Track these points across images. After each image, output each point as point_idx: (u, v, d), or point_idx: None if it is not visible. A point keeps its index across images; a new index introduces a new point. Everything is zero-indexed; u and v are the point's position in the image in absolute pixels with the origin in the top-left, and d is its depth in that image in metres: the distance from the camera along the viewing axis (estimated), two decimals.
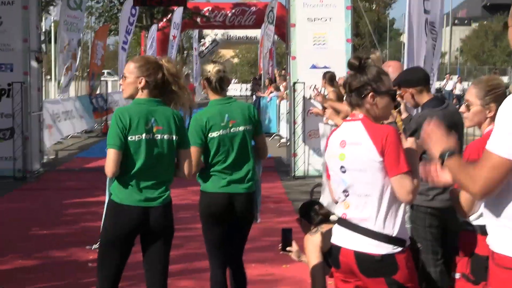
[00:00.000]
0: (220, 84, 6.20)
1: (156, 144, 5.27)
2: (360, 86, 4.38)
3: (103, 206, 11.94)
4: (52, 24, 42.39)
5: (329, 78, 13.03)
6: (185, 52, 66.79)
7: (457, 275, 4.85)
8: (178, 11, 40.72)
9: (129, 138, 5.20)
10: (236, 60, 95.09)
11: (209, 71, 6.20)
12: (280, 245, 6.10)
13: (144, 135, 5.22)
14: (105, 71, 65.35)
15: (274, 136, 24.27)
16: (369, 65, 4.42)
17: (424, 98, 5.89)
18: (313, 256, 5.83)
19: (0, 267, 8.45)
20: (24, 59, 15.31)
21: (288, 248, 6.04)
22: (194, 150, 6.05)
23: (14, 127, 15.14)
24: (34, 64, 15.65)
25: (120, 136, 5.18)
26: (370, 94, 4.36)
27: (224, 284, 6.28)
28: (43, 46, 17.17)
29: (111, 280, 5.36)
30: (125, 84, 5.42)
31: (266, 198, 12.93)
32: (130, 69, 5.37)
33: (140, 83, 5.32)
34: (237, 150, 6.14)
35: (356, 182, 4.34)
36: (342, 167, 4.39)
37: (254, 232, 9.77)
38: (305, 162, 15.49)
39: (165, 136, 5.30)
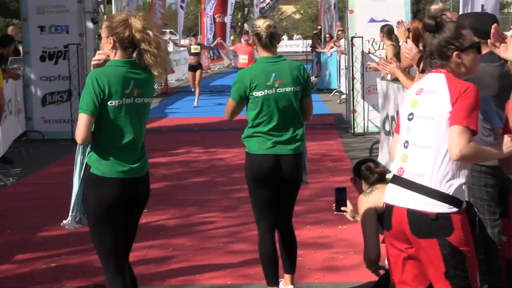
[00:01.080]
0: (270, 40, 5.93)
1: (137, 109, 4.95)
2: (442, 47, 4.14)
3: (159, 168, 11.92)
4: None
5: (387, 31, 12.70)
6: (246, 9, 66.45)
7: (505, 238, 4.59)
8: None
9: (108, 104, 4.82)
10: (297, 15, 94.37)
11: (259, 27, 5.92)
12: (334, 205, 5.91)
13: (124, 99, 4.87)
14: (167, 30, 65.50)
15: (334, 92, 23.95)
16: (445, 22, 4.16)
17: (484, 49, 5.52)
18: (366, 217, 5.62)
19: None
20: (79, 20, 15.28)
21: (342, 208, 5.85)
22: (232, 104, 5.96)
23: (71, 89, 15.15)
24: (90, 25, 15.59)
25: (95, 100, 4.81)
26: (455, 54, 4.11)
27: (273, 247, 6.07)
28: (102, 7, 16.98)
29: (113, 252, 5.03)
30: (102, 46, 5.20)
31: (324, 156, 12.77)
32: (102, 29, 5.10)
33: (110, 43, 4.97)
34: (283, 111, 5.89)
35: (420, 130, 4.11)
36: (411, 114, 4.18)
37: (309, 192, 9.69)
38: (365, 118, 15.20)
39: (145, 100, 5.00)
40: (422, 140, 4.10)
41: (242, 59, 22.40)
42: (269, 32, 5.90)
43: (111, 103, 4.83)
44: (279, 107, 5.86)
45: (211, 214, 9.02)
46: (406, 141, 4.18)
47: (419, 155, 4.10)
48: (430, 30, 4.18)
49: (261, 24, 5.92)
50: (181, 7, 29.59)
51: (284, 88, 5.86)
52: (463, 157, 3.95)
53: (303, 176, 6.14)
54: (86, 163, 4.96)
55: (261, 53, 6.00)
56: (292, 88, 5.89)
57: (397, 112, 8.52)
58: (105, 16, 22.75)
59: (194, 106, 21.62)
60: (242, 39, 24.36)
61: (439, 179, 4.03)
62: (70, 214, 5.08)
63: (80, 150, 5.00)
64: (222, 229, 8.35)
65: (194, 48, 22.85)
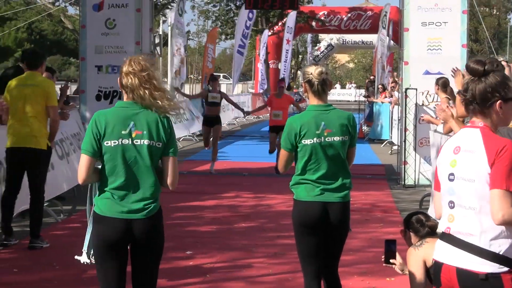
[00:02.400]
0: (322, 87, 5.95)
1: (135, 151, 4.93)
2: (487, 93, 4.07)
3: (206, 211, 11.99)
4: (169, 28, 43.08)
5: (442, 84, 12.66)
6: (300, 56, 66.80)
7: None
8: (292, 15, 40.78)
9: (104, 144, 4.90)
10: (351, 65, 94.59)
11: (311, 73, 5.95)
12: (383, 257, 5.86)
13: (120, 140, 4.90)
14: (221, 74, 66.03)
15: (386, 143, 23.85)
16: (494, 69, 4.10)
17: None
18: (415, 270, 5.57)
19: None
20: None
21: (391, 261, 5.79)
22: (284, 153, 5.97)
23: None
24: None
25: (93, 141, 4.90)
26: (498, 102, 4.05)
27: None
28: (158, 49, 17.24)
29: None
30: None
31: (374, 207, 12.68)
32: None
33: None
34: (331, 160, 5.92)
35: (464, 192, 4.04)
36: (451, 174, 4.10)
37: (357, 243, 9.64)
38: (416, 170, 15.09)
39: (145, 142, 4.93)
40: (466, 201, 4.03)
41: (276, 115, 17.25)
42: (321, 79, 5.94)
43: (107, 143, 4.91)
44: (327, 156, 5.89)
45: (257, 260, 8.99)
46: (451, 201, 4.11)
47: (466, 216, 4.03)
48: (475, 75, 4.11)
49: (313, 71, 5.96)
50: (239, 52, 29.82)
51: (332, 138, 5.90)
52: (506, 222, 3.89)
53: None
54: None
55: (312, 101, 6.02)
56: (341, 137, 5.93)
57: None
58: (160, 58, 23.13)
59: (210, 172, 16.87)
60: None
61: (488, 239, 3.96)
62: (83, 249, 5.19)
63: (90, 191, 5.11)
64: (268, 276, 8.31)
65: (213, 97, 17.45)
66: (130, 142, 4.91)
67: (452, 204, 4.11)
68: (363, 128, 28.21)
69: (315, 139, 5.86)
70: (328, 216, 5.92)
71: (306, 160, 5.90)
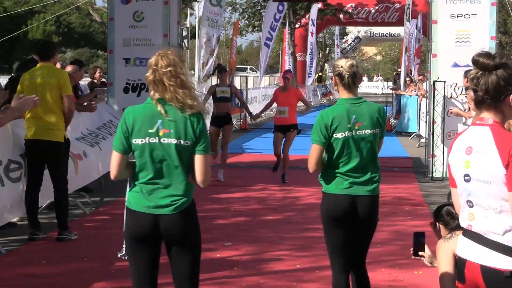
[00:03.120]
0: (353, 80, 5.93)
1: (162, 149, 4.88)
2: (501, 86, 3.99)
3: (234, 203, 12.01)
4: (196, 20, 43.13)
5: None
6: (327, 49, 66.63)
7: None
8: (314, 8, 40.66)
9: (133, 142, 4.90)
10: (379, 57, 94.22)
11: (341, 66, 5.92)
12: (412, 249, 5.83)
13: (148, 138, 4.87)
14: (248, 67, 66.00)
15: (413, 136, 23.75)
16: (507, 61, 4.02)
17: None
18: (444, 263, 5.53)
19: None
20: None
21: (420, 253, 5.76)
22: (315, 148, 5.90)
23: None
24: None
25: (122, 139, 4.91)
26: (511, 96, 3.98)
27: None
28: (186, 41, 17.26)
29: (137, 284, 5.05)
30: None
31: (402, 200, 12.63)
32: None
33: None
34: (362, 153, 5.91)
35: (481, 193, 3.99)
36: (466, 175, 4.05)
37: (385, 235, 9.62)
38: (444, 163, 15.00)
39: (173, 141, 4.87)
40: (485, 202, 3.97)
41: (280, 112, 14.89)
42: (352, 72, 5.90)
43: (135, 141, 4.90)
44: (358, 149, 5.88)
45: (285, 252, 8.99)
46: (469, 201, 4.06)
47: (486, 216, 3.98)
48: (485, 69, 3.98)
49: (344, 64, 5.92)
50: (266, 44, 29.79)
51: (363, 131, 5.88)
52: None
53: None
54: None
55: (342, 94, 5.99)
56: (372, 130, 5.92)
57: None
58: (188, 51, 23.12)
59: (218, 180, 14.29)
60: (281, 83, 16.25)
61: (510, 236, 3.94)
62: (124, 245, 5.19)
63: (128, 185, 5.15)
64: (295, 268, 8.31)
65: (222, 91, 14.69)
66: (157, 141, 4.88)
67: (471, 204, 4.06)
68: (390, 121, 28.12)
69: (346, 132, 5.84)
70: (356, 209, 5.91)
71: (337, 153, 5.88)
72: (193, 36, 36.71)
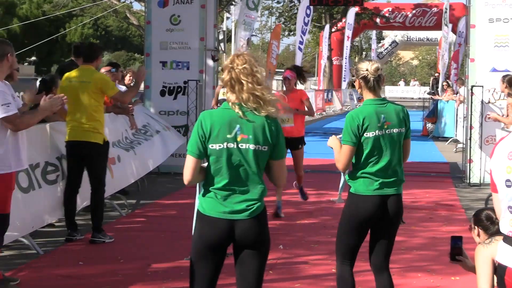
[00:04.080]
0: (378, 83, 6.03)
1: (240, 155, 4.84)
2: None
3: (269, 207, 12.00)
4: (233, 24, 43.20)
5: (509, 81, 12.45)
6: (364, 53, 66.44)
7: None
8: (351, 12, 40.57)
9: (209, 147, 4.84)
10: (415, 62, 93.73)
11: (367, 69, 6.00)
12: (450, 253, 5.79)
13: (225, 144, 4.82)
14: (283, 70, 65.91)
15: (450, 141, 23.59)
16: None
17: None
18: (482, 269, 5.46)
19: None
20: (201, 57, 15.58)
21: (457, 257, 5.71)
22: (347, 149, 5.94)
23: (188, 125, 15.39)
24: (210, 62, 15.87)
25: (198, 143, 4.84)
26: None
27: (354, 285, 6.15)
28: (222, 45, 17.29)
29: None
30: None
31: (438, 205, 12.55)
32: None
33: None
34: (391, 152, 5.99)
35: None
36: (508, 180, 4.01)
37: (422, 241, 9.57)
38: (481, 169, 14.88)
39: (251, 146, 4.83)
40: None
41: (283, 120, 10.98)
42: (378, 75, 6.00)
43: (212, 146, 4.84)
44: (387, 148, 5.96)
45: (320, 257, 8.97)
46: (511, 207, 4.03)
47: None
48: None
49: (369, 67, 6.00)
50: (299, 48, 29.79)
51: (392, 130, 5.98)
52: None
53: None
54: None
55: (367, 96, 6.08)
56: (399, 129, 6.02)
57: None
58: (224, 54, 23.21)
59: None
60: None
61: None
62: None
63: (198, 189, 5.08)
64: (331, 273, 8.27)
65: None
66: (235, 146, 4.83)
67: None
68: (427, 125, 27.96)
69: (377, 131, 5.92)
70: (384, 210, 5.97)
71: (367, 153, 5.93)
72: (229, 40, 36.81)
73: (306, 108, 11.69)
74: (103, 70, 12.46)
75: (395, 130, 5.98)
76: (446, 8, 30.34)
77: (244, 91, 4.84)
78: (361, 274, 7.44)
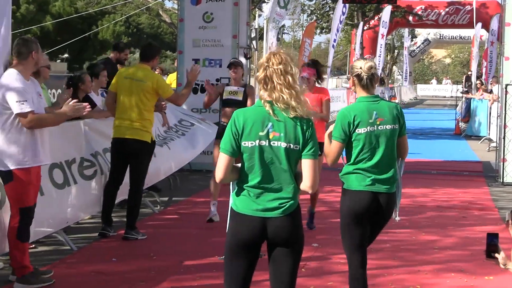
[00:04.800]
0: (371, 81, 6.13)
1: (272, 152, 4.86)
2: None
3: (303, 204, 11.98)
4: (265, 22, 43.19)
5: None
6: (396, 51, 66.12)
7: None
8: (387, 10, 40.37)
9: (242, 144, 4.86)
10: (448, 60, 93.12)
11: (360, 68, 6.12)
12: (485, 250, 5.74)
13: (258, 141, 4.85)
14: None
15: (483, 140, 23.42)
16: None
17: None
18: None
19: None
20: (233, 55, 15.54)
21: (493, 254, 5.67)
22: (335, 145, 6.06)
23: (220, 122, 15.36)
24: (242, 60, 15.85)
25: (232, 141, 4.87)
26: None
27: (366, 283, 6.21)
28: (254, 43, 17.29)
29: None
30: None
31: (471, 204, 12.47)
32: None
33: None
34: (383, 149, 6.07)
35: None
36: None
37: (455, 240, 9.54)
38: None
39: (282, 144, 4.84)
40: None
41: None
42: (371, 74, 6.10)
43: (244, 143, 4.87)
44: (380, 145, 6.06)
45: None
46: None
47: None
48: None
49: (363, 66, 6.12)
50: (333, 46, 29.72)
51: (384, 126, 6.07)
52: None
53: (396, 212, 6.36)
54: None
55: (360, 93, 6.19)
56: (392, 126, 6.11)
57: None
58: (256, 52, 23.22)
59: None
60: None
61: None
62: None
63: (231, 188, 5.10)
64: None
65: (230, 92, 10.80)
66: (267, 144, 4.85)
67: None
68: (460, 124, 27.80)
69: (368, 127, 6.02)
70: (377, 206, 6.07)
71: (359, 149, 6.04)
72: (261, 37, 36.81)
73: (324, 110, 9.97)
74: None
75: (388, 127, 6.07)
76: (478, 7, 30.21)
77: (275, 90, 4.87)
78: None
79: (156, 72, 14.52)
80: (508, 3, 14.89)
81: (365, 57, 6.75)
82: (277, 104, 4.87)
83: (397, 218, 6.45)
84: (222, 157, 4.89)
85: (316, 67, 9.93)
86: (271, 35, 22.14)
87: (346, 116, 6.02)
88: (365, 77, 6.09)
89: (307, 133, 4.90)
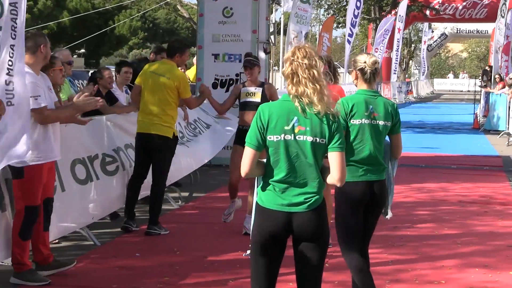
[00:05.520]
0: (374, 76, 6.21)
1: (297, 147, 4.84)
2: None
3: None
4: (282, 16, 43.17)
5: None
6: (413, 45, 65.91)
7: None
8: (403, 4, 40.26)
9: (268, 138, 4.85)
10: (464, 54, 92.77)
11: (365, 62, 6.18)
12: None
13: (283, 135, 4.83)
14: None
15: (502, 134, 23.33)
16: None
17: None
18: None
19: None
20: (253, 50, 15.51)
21: None
22: None
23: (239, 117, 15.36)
24: (262, 55, 15.83)
25: (257, 135, 4.86)
26: None
27: (370, 273, 6.26)
28: (272, 37, 17.27)
29: (256, 283, 5.01)
30: None
31: (492, 199, 12.42)
32: None
33: None
34: (374, 143, 6.13)
35: None
36: None
37: (478, 235, 9.53)
38: None
39: (308, 138, 4.83)
40: None
41: None
42: (375, 68, 6.20)
43: (270, 137, 4.86)
44: (371, 137, 6.12)
45: (376, 250, 8.85)
46: None
47: None
48: None
49: (367, 60, 6.19)
50: (348, 41, 29.67)
51: (378, 121, 6.15)
52: None
53: (386, 209, 6.45)
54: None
55: (361, 86, 6.26)
56: (384, 122, 6.17)
57: None
58: (274, 47, 23.19)
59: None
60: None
61: None
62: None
63: (257, 182, 5.10)
64: (387, 266, 8.24)
65: (247, 94, 9.91)
66: (292, 138, 4.83)
67: None
68: (478, 119, 27.70)
69: (363, 119, 6.10)
70: (371, 195, 6.13)
71: (352, 140, 6.10)
72: (278, 32, 36.77)
73: None
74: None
75: (381, 122, 6.14)
76: (505, 0, 29.93)
77: (301, 84, 4.86)
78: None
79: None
80: None
81: (366, 52, 6.75)
82: (302, 98, 4.86)
83: (388, 216, 6.53)
84: (247, 151, 4.89)
85: (329, 63, 9.29)
86: (295, 29, 22.01)
87: (344, 105, 6.11)
88: (369, 71, 6.16)
89: (333, 126, 4.88)
